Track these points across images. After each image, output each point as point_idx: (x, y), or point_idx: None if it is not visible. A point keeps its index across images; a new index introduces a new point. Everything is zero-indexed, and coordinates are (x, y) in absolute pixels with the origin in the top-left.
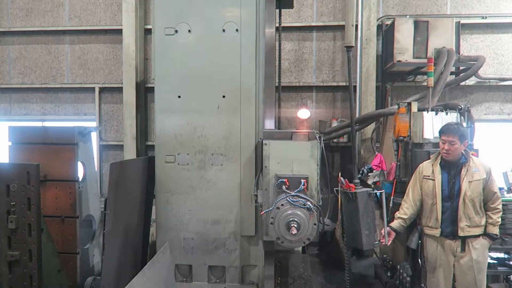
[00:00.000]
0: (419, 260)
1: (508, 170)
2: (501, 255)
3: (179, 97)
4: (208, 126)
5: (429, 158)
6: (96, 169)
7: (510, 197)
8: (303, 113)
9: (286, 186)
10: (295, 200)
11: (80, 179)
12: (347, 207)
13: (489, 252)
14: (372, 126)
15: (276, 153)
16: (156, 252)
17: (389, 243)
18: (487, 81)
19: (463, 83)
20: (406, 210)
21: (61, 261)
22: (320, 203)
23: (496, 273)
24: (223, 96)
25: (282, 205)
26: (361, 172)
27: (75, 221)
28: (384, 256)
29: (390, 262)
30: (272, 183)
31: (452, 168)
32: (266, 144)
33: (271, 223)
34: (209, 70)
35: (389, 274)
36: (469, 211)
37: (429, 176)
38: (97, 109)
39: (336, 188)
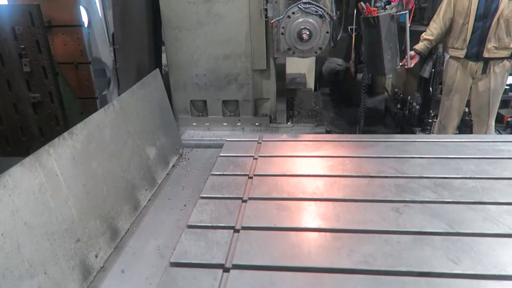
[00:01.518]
0: (431, 88)
1: None
2: None
3: None
4: None
5: None
6: (100, 16)
7: None
8: None
9: None
10: (307, 7)
11: (85, 25)
12: (368, 34)
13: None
14: None
15: None
16: (171, 90)
17: (412, 66)
18: None
19: None
20: (433, 30)
21: (82, 104)
22: (334, 15)
23: (507, 98)
24: None
25: (293, 13)
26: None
27: (88, 66)
28: (396, 90)
29: (401, 95)
30: None
31: None
32: None
33: (282, 34)
34: None
35: (399, 106)
36: (500, 31)
37: None
38: None
39: (351, 27)
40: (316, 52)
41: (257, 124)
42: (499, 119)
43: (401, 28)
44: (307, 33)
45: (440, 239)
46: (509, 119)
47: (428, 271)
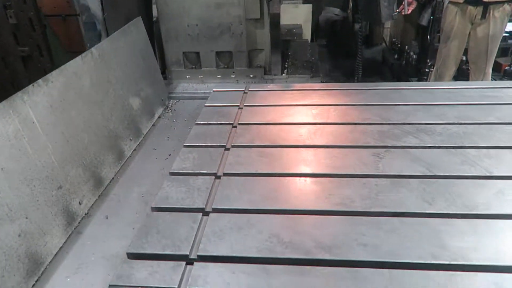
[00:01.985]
0: (428, 36)
1: None
2: None
3: None
4: None
5: None
6: None
7: None
8: None
9: None
10: None
11: None
12: None
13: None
14: None
15: None
16: (162, 42)
17: (409, 13)
18: None
19: None
20: None
21: (73, 59)
22: None
23: (506, 46)
24: None
25: None
26: None
27: (77, 18)
28: (393, 40)
29: (399, 45)
30: None
31: None
32: None
33: None
34: None
35: (396, 57)
36: None
37: None
38: None
39: None
40: None
41: (251, 76)
42: (497, 67)
43: None
44: None
45: (417, 182)
46: (506, 68)
47: (402, 211)
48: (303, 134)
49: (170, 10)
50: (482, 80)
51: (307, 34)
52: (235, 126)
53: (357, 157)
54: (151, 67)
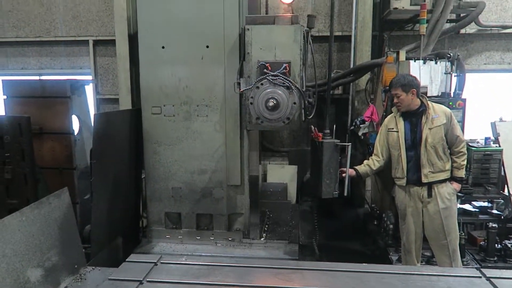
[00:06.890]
0: None
1: (497, 120)
2: (484, 203)
3: (163, 47)
4: (192, 77)
5: None
6: (92, 123)
7: (495, 147)
8: None
9: (269, 70)
10: (275, 78)
11: (75, 132)
12: (314, 155)
13: (470, 201)
14: (366, 77)
15: (258, 38)
16: (147, 202)
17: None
18: (488, 29)
19: (463, 31)
20: (375, 161)
21: None
22: (304, 89)
23: (478, 221)
24: (207, 47)
25: (262, 84)
26: (354, 123)
27: (73, 172)
28: (373, 206)
29: (378, 212)
30: (254, 69)
31: (413, 117)
32: (248, 29)
33: (251, 103)
34: (192, 19)
35: (375, 223)
36: (431, 157)
37: (393, 128)
38: (92, 62)
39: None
40: (284, 122)
41: (230, 239)
42: (472, 241)
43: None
44: (274, 102)
45: None
46: (481, 243)
47: None
48: None
49: (156, 173)
50: (452, 260)
51: (292, 193)
52: None
53: None
54: (68, 234)
